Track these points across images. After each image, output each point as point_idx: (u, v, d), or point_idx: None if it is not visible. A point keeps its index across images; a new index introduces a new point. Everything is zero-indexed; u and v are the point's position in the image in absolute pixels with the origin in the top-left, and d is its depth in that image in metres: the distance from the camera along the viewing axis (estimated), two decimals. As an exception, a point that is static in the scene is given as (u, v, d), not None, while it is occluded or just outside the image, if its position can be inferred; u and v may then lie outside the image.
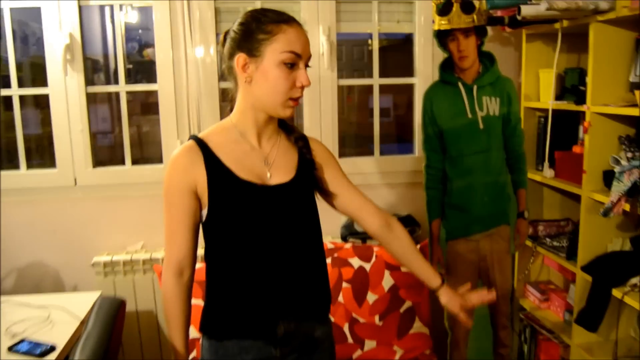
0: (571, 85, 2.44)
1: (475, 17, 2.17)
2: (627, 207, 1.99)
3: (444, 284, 1.54)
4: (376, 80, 2.87)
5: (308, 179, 1.48)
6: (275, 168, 1.44)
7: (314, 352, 1.50)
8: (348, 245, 2.62)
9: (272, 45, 1.31)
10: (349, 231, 2.79)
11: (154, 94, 2.75)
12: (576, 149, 2.48)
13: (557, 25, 2.33)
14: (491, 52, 2.35)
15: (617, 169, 2.09)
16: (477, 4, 2.18)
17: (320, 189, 1.53)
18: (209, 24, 2.64)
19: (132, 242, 2.74)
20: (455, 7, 2.16)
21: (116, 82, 2.73)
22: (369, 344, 2.48)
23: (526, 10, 2.06)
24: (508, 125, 2.37)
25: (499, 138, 2.36)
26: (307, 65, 1.37)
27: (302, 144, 1.51)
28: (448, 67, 2.36)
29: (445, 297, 1.53)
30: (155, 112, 2.77)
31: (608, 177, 2.17)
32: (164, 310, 1.45)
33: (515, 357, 2.83)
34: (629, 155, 2.08)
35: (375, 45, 2.82)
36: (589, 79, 2.18)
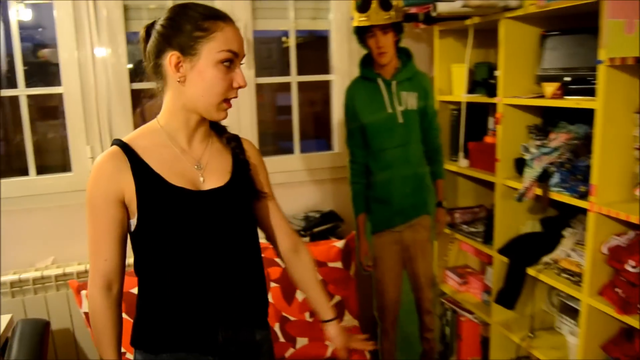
0: (481, 79, 2.58)
1: (393, 13, 2.23)
2: (539, 191, 2.14)
3: (335, 319, 1.54)
4: (294, 78, 2.87)
5: (244, 182, 1.43)
6: (209, 172, 1.37)
7: (254, 357, 1.47)
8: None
9: (210, 43, 1.25)
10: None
11: (52, 97, 2.57)
12: (488, 139, 2.62)
13: (468, 22, 2.45)
14: (408, 48, 2.43)
15: (527, 156, 2.24)
16: (394, 1, 2.25)
17: (255, 191, 1.47)
18: (118, 22, 2.51)
19: (41, 258, 2.54)
20: (374, 4, 2.21)
21: (10, 85, 2.50)
22: (301, 341, 2.49)
23: (442, 7, 2.15)
24: (425, 119, 2.47)
25: (418, 131, 2.45)
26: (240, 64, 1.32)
27: (234, 145, 1.45)
28: (367, 64, 2.41)
29: (334, 332, 1.54)
30: (54, 116, 2.59)
31: (519, 165, 2.32)
32: (93, 327, 1.35)
33: (438, 337, 2.96)
34: (538, 143, 2.24)
35: (292, 42, 2.82)
36: (499, 73, 2.31)
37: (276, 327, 2.47)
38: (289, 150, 2.96)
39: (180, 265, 1.32)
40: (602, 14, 1.74)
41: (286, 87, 2.94)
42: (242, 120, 2.75)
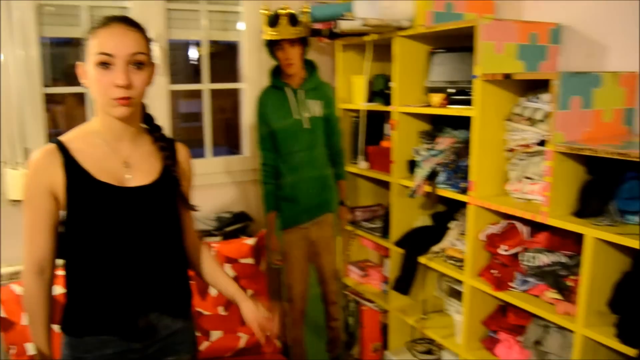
0: (379, 89, 2.85)
1: (300, 29, 2.45)
2: (428, 188, 2.43)
3: (242, 300, 1.62)
4: (206, 86, 3.00)
5: (171, 182, 1.52)
6: (136, 170, 1.46)
7: (175, 345, 1.58)
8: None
9: (89, 49, 1.36)
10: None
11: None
12: (384, 143, 2.90)
13: (367, 38, 2.70)
14: (313, 61, 2.66)
15: (418, 158, 2.53)
16: (301, 17, 2.47)
17: (180, 193, 1.56)
18: (31, 24, 2.52)
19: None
20: (283, 20, 2.41)
21: None
22: (215, 334, 2.60)
23: (344, 25, 2.39)
24: (329, 125, 2.70)
25: (322, 136, 2.67)
26: (140, 63, 1.37)
27: (165, 147, 1.54)
28: (277, 74, 2.60)
29: (247, 310, 1.60)
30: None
31: (411, 166, 2.60)
32: (26, 310, 1.45)
33: (343, 327, 3.19)
34: (427, 146, 2.53)
35: (205, 51, 2.96)
36: (394, 84, 2.59)
37: (191, 321, 2.58)
38: (199, 156, 3.08)
39: (105, 255, 1.43)
40: (476, 37, 2.05)
41: (192, 94, 3.04)
42: (156, 124, 2.84)
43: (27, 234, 1.42)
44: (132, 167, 1.46)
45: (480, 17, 2.07)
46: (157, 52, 2.75)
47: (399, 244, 2.69)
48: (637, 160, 1.55)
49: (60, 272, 1.49)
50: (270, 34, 2.44)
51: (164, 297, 1.53)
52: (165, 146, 1.54)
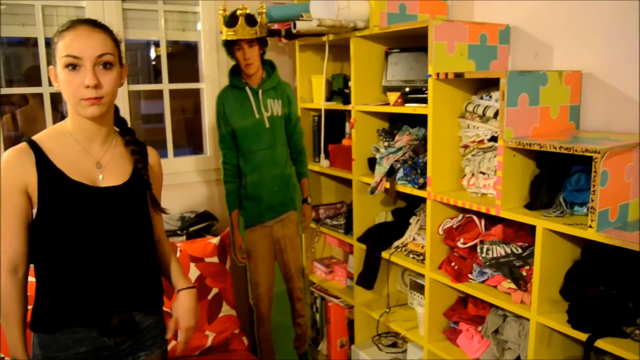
0: (338, 89, 2.89)
1: (258, 29, 2.47)
2: (387, 185, 2.48)
3: (183, 290, 1.69)
4: (166, 86, 2.99)
5: (141, 184, 1.57)
6: (108, 171, 1.51)
7: (147, 340, 1.62)
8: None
9: (57, 52, 1.40)
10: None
11: None
12: (345, 141, 2.95)
13: (324, 38, 2.73)
14: (272, 60, 2.68)
15: (377, 155, 2.58)
16: (258, 17, 2.48)
17: (150, 194, 1.61)
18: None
19: None
20: (241, 20, 2.42)
21: None
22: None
23: (300, 25, 2.41)
24: (289, 124, 2.73)
25: (283, 135, 2.70)
26: (107, 64, 1.41)
27: (136, 150, 1.58)
28: (236, 73, 2.62)
29: (178, 300, 1.68)
30: None
31: (371, 163, 2.66)
32: (1, 312, 1.45)
33: (310, 324, 3.23)
34: (386, 144, 2.59)
35: (163, 51, 2.95)
36: (352, 83, 2.63)
37: (157, 324, 2.58)
38: (161, 157, 3.06)
39: (77, 253, 1.45)
40: (429, 37, 2.10)
41: (153, 95, 3.04)
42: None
43: (1, 232, 1.42)
44: (104, 168, 1.51)
45: (433, 18, 2.12)
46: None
47: (361, 240, 2.74)
48: (582, 154, 1.63)
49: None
50: (228, 34, 2.45)
51: (135, 294, 1.56)
52: (136, 149, 1.58)
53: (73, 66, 1.38)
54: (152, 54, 3.12)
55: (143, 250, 1.59)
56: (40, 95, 2.64)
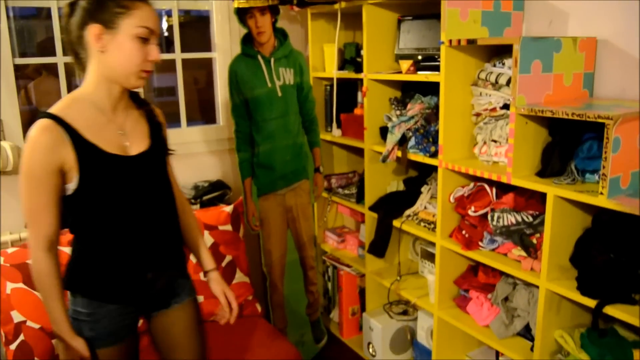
0: (350, 57, 2.88)
1: (269, -3, 2.45)
2: (399, 153, 2.48)
3: (214, 270, 1.79)
4: (178, 55, 2.99)
5: (161, 145, 1.63)
6: (132, 137, 1.54)
7: (176, 289, 1.72)
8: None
9: (128, 19, 1.40)
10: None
11: None
12: (357, 111, 2.94)
13: (337, 6, 2.71)
14: (284, 29, 2.67)
15: (389, 124, 2.57)
16: (270, -14, 2.47)
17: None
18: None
19: None
20: (253, -12, 2.42)
21: None
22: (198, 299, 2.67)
23: (313, -8, 2.41)
24: (301, 93, 2.73)
25: (295, 104, 2.70)
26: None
27: (149, 110, 1.63)
28: (248, 42, 2.61)
29: (212, 279, 1.78)
30: None
31: (383, 132, 2.66)
32: (41, 286, 1.49)
33: (322, 292, 3.28)
34: (397, 113, 2.58)
35: (175, 21, 2.94)
36: (364, 52, 2.62)
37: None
38: (175, 127, 3.09)
39: (114, 220, 1.51)
40: (442, 3, 2.08)
41: (165, 67, 3.04)
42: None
43: (34, 212, 1.44)
44: (127, 134, 1.54)
45: (447, -17, 2.10)
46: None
47: (373, 208, 2.76)
48: (595, 120, 1.61)
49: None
50: (240, 2, 2.45)
51: (164, 255, 1.64)
52: (151, 110, 1.64)
53: (145, 39, 1.42)
54: (165, 25, 3.12)
55: (169, 212, 1.66)
56: (54, 67, 2.66)
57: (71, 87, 2.74)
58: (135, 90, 1.59)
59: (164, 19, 3.14)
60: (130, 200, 1.52)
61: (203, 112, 3.31)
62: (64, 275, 1.54)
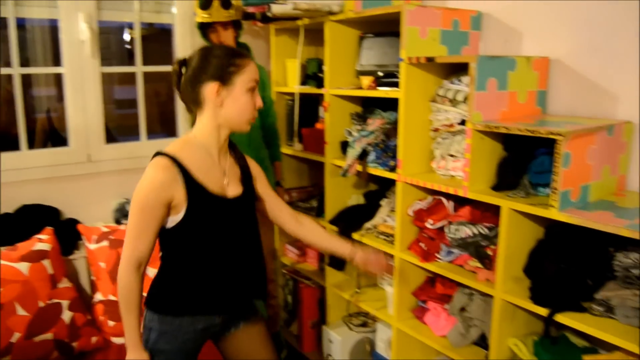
0: (312, 73, 2.92)
1: (233, 12, 2.48)
2: (359, 167, 2.53)
3: (355, 251, 1.95)
4: (139, 68, 2.97)
5: (252, 190, 1.84)
6: (229, 179, 1.74)
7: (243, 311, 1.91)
8: (123, 227, 2.72)
9: (242, 76, 1.63)
10: (122, 214, 2.88)
11: None
12: (318, 125, 2.98)
13: (299, 23, 2.75)
14: (247, 44, 2.69)
15: (350, 139, 2.62)
16: (234, 0, 2.49)
17: (257, 198, 1.90)
18: None
19: None
20: (216, 3, 2.43)
21: None
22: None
23: (276, 9, 2.43)
24: (264, 107, 2.75)
25: (257, 118, 2.72)
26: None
27: (242, 161, 1.84)
28: (211, 56, 2.62)
29: (360, 260, 1.95)
30: None
31: (344, 146, 2.70)
32: (121, 299, 1.65)
33: (282, 305, 3.28)
34: (358, 127, 2.63)
35: (138, 34, 2.93)
36: (326, 67, 2.66)
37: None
38: (135, 140, 3.06)
39: (209, 253, 1.69)
40: (402, 22, 2.15)
41: (127, 80, 3.01)
42: (88, 109, 2.81)
43: (135, 233, 1.61)
44: (227, 175, 1.74)
45: (406, 3, 2.17)
46: (89, 35, 2.72)
47: (333, 222, 2.79)
48: (546, 137, 1.69)
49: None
50: (202, 16, 2.46)
51: (254, 285, 1.83)
52: (243, 159, 1.86)
53: (254, 90, 1.66)
54: (127, 37, 3.10)
55: (257, 248, 1.84)
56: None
57: (27, 97, 2.69)
58: None
59: (126, 31, 3.13)
60: (224, 236, 1.70)
61: (164, 125, 3.29)
62: (147, 294, 1.75)
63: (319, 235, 1.99)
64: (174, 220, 1.63)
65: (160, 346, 1.71)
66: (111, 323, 2.58)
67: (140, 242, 1.61)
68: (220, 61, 1.62)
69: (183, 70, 1.68)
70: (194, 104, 1.68)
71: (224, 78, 1.62)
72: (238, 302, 1.82)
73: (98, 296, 2.63)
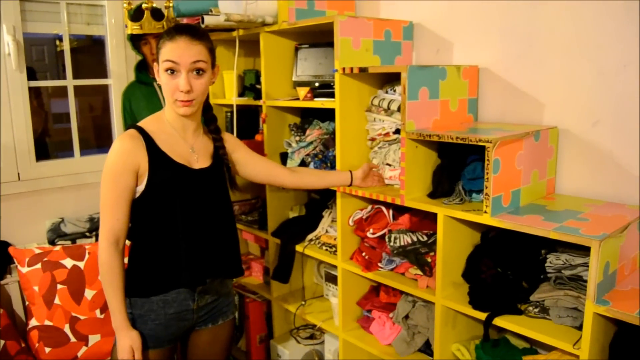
0: (250, 84, 2.89)
1: (164, 23, 2.43)
2: (300, 179, 2.51)
3: (352, 176, 2.15)
4: (70, 82, 2.88)
5: (221, 165, 1.84)
6: (199, 155, 1.77)
7: (222, 307, 1.92)
8: (57, 248, 2.62)
9: (160, 56, 1.66)
10: (57, 234, 2.77)
11: None
12: (258, 137, 2.95)
13: (234, 34, 2.72)
14: (181, 56, 2.64)
15: (289, 150, 2.61)
16: (165, 12, 2.44)
17: (234, 170, 1.94)
18: None
19: None
20: (146, 14, 2.38)
21: None
22: (93, 339, 2.55)
23: (209, 20, 2.39)
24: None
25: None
26: (200, 70, 1.65)
27: (217, 138, 1.85)
28: (143, 69, 2.56)
29: (359, 177, 2.15)
30: None
31: (284, 158, 2.68)
32: (103, 276, 1.65)
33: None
34: (297, 139, 2.62)
35: (67, 46, 2.83)
36: (262, 79, 2.64)
37: (66, 328, 2.49)
38: (68, 156, 2.96)
39: (174, 226, 1.68)
40: (335, 33, 2.15)
41: (62, 93, 2.92)
42: (15, 124, 2.69)
43: (108, 208, 1.63)
44: (196, 152, 1.77)
45: (339, 14, 2.17)
46: (13, 47, 2.61)
47: (275, 234, 2.76)
48: (476, 144, 1.72)
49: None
50: (133, 28, 2.41)
51: (222, 260, 1.82)
52: (217, 137, 1.86)
53: (172, 71, 1.63)
54: (58, 49, 3.00)
55: (227, 222, 1.84)
56: None
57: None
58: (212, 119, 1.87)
59: (56, 43, 3.02)
60: (189, 208, 1.70)
61: (99, 139, 3.19)
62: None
63: (317, 175, 2.14)
64: (139, 190, 1.65)
65: (141, 329, 1.73)
66: (47, 349, 2.47)
67: (114, 214, 1.63)
68: (160, 39, 1.68)
69: None
70: None
71: (158, 56, 1.68)
72: (206, 276, 1.78)
73: (33, 322, 2.52)
